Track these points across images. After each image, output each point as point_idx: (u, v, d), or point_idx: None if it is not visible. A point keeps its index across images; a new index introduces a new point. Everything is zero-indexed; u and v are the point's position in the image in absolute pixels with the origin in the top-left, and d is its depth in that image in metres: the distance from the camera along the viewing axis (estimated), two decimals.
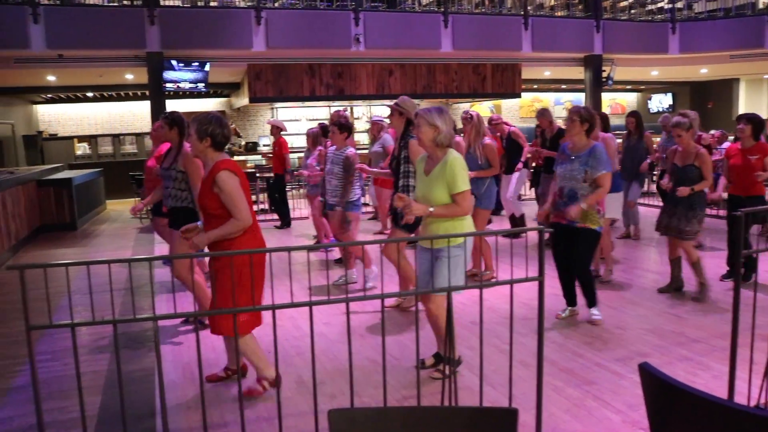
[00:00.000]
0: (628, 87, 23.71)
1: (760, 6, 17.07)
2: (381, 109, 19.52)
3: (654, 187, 11.13)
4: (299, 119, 19.49)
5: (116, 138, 18.66)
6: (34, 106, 18.47)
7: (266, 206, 13.38)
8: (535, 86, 21.41)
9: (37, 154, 17.45)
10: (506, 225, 10.06)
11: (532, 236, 8.37)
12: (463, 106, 19.54)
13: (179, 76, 13.74)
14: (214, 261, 4.10)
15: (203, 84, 14.15)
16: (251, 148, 18.03)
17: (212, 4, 14.24)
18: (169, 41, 13.09)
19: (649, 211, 10.85)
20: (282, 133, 11.15)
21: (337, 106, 18.15)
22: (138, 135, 18.67)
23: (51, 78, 15.09)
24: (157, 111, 13.05)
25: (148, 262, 2.85)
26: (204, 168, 4.40)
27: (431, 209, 4.07)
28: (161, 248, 9.56)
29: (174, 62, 13.52)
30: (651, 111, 23.51)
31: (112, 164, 17.31)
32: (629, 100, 24.93)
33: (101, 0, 13.52)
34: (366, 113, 20.07)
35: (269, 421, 3.90)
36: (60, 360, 5.14)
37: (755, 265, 6.26)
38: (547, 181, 8.16)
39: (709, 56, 17.07)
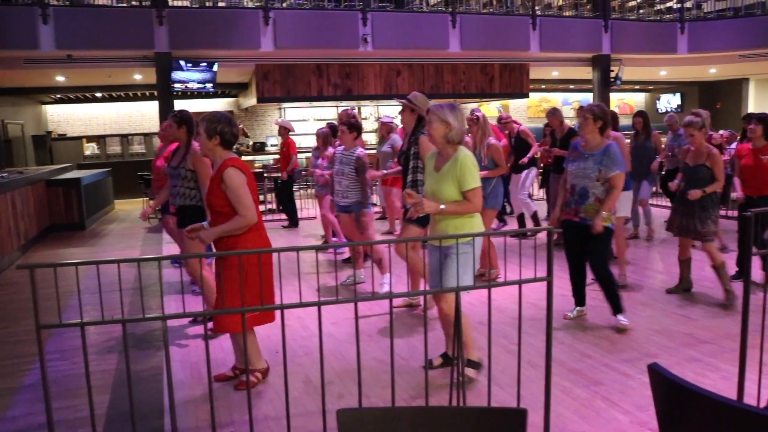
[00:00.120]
0: (637, 87, 23.62)
1: None
2: (389, 109, 19.52)
3: (659, 187, 11.07)
4: (307, 119, 19.52)
5: (125, 138, 18.73)
6: (44, 106, 18.56)
7: (274, 206, 13.41)
8: (543, 86, 21.36)
9: (46, 154, 17.54)
10: (515, 225, 10.03)
11: (542, 236, 8.35)
12: (470, 106, 19.52)
13: (187, 76, 13.78)
14: (220, 260, 4.12)
15: (211, 84, 14.20)
16: (259, 148, 18.06)
17: (220, 4, 14.28)
18: (178, 42, 13.13)
19: (656, 211, 10.80)
20: (290, 133, 11.15)
21: (345, 106, 18.15)
22: (146, 135, 18.73)
23: (60, 78, 15.16)
24: (166, 111, 13.09)
25: (156, 261, 2.85)
26: (212, 166, 4.43)
27: (442, 206, 4.03)
28: (169, 248, 9.59)
29: (182, 62, 13.56)
30: (659, 111, 23.41)
31: (120, 164, 17.39)
32: (637, 100, 24.83)
33: (110, 1, 13.59)
34: (374, 113, 20.07)
35: (277, 420, 3.90)
36: (69, 359, 5.16)
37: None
38: (556, 180, 8.13)
39: (718, 56, 16.99)
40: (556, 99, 23.01)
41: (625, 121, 20.03)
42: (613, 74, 16.62)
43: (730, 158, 8.74)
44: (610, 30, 16.13)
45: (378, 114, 19.97)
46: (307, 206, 12.98)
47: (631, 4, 17.78)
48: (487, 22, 15.35)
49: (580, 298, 5.73)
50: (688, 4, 17.08)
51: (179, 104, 14.44)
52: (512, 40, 15.42)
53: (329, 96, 15.67)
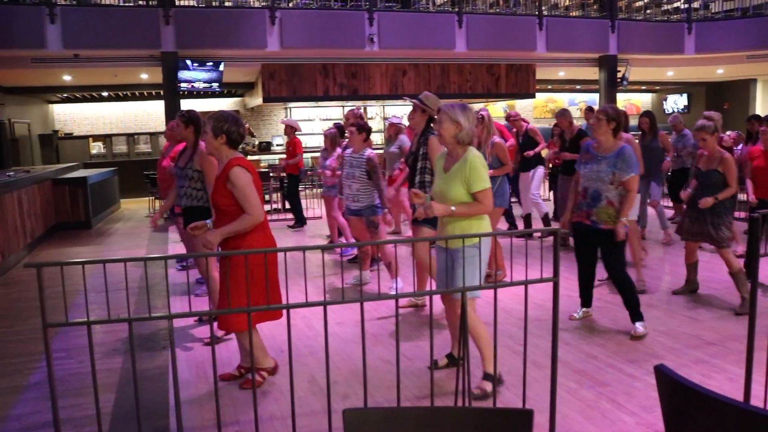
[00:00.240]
0: (643, 87, 23.55)
1: None
2: (395, 109, 19.52)
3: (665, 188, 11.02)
4: (313, 119, 19.53)
5: (131, 137, 18.78)
6: (50, 105, 18.62)
7: (279, 206, 13.42)
8: (550, 87, 21.31)
9: (53, 153, 17.60)
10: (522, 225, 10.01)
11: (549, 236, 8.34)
12: (477, 107, 19.49)
13: (194, 75, 13.80)
14: (225, 259, 4.12)
15: (217, 84, 14.22)
16: (265, 147, 18.08)
17: (227, 4, 14.30)
18: (184, 41, 13.16)
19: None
20: (296, 133, 11.16)
21: (351, 106, 18.15)
22: (152, 134, 18.77)
23: (67, 77, 15.20)
24: (172, 110, 13.11)
25: (163, 261, 2.86)
26: (218, 165, 4.44)
27: (453, 208, 3.98)
28: (175, 247, 9.61)
29: (189, 62, 13.58)
30: (666, 112, 23.33)
31: (126, 163, 17.44)
32: (644, 100, 24.76)
33: (117, 0, 13.62)
34: (380, 113, 20.07)
35: (282, 420, 3.91)
36: (75, 358, 5.18)
37: None
38: (564, 182, 8.09)
39: (726, 56, 16.92)
40: (562, 99, 22.96)
41: (631, 121, 19.96)
42: (619, 75, 16.56)
43: (737, 159, 8.71)
44: (617, 30, 16.08)
45: (384, 114, 19.97)
46: (312, 206, 12.99)
47: (638, 4, 17.72)
48: (494, 22, 15.32)
49: (586, 299, 5.71)
50: (695, 5, 17.02)
51: (185, 104, 14.48)
52: (519, 41, 15.39)
53: (335, 96, 15.67)
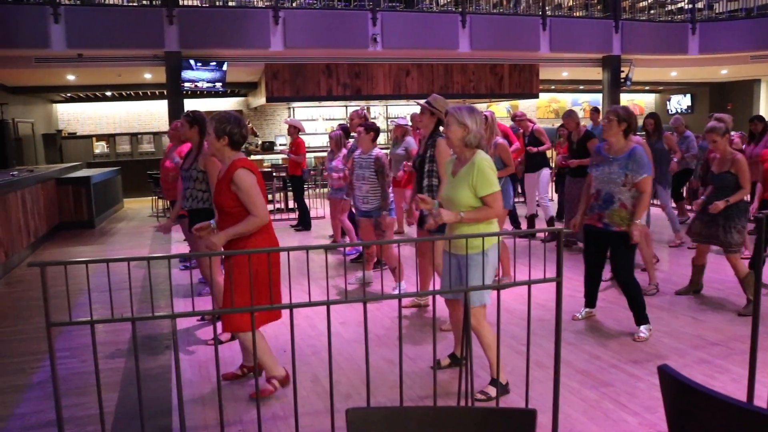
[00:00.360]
0: (647, 88, 23.51)
1: None
2: (398, 109, 19.52)
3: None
4: (316, 119, 19.54)
5: (134, 137, 18.83)
6: (54, 104, 18.67)
7: (282, 206, 13.42)
8: (553, 87, 21.32)
9: (57, 153, 17.65)
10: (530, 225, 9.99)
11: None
12: (480, 107, 19.48)
13: (197, 75, 13.83)
14: (229, 259, 4.12)
15: (221, 83, 14.24)
16: (268, 147, 18.10)
17: (230, 4, 14.32)
18: (188, 41, 13.18)
19: (660, 213, 10.72)
20: (299, 133, 11.13)
21: (354, 106, 18.16)
22: (156, 134, 18.83)
23: (70, 77, 15.24)
24: (175, 110, 13.15)
25: (166, 260, 2.86)
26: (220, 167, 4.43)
27: (462, 214, 3.91)
28: (179, 247, 9.62)
29: (192, 62, 13.61)
30: (669, 112, 23.31)
31: (129, 163, 17.48)
32: (647, 101, 24.74)
33: (120, 0, 13.64)
34: (383, 113, 20.07)
35: (284, 419, 3.91)
36: (78, 357, 5.19)
37: None
38: (572, 183, 8.02)
39: (730, 57, 16.90)
40: (565, 99, 22.96)
41: None
42: (623, 75, 16.54)
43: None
44: (621, 30, 16.07)
45: (387, 114, 19.97)
46: (315, 206, 12.98)
47: (641, 4, 17.69)
48: (497, 22, 15.32)
49: (591, 300, 5.69)
50: (699, 5, 17.00)
51: (189, 103, 14.51)
52: (522, 41, 15.39)
53: (338, 96, 15.69)
